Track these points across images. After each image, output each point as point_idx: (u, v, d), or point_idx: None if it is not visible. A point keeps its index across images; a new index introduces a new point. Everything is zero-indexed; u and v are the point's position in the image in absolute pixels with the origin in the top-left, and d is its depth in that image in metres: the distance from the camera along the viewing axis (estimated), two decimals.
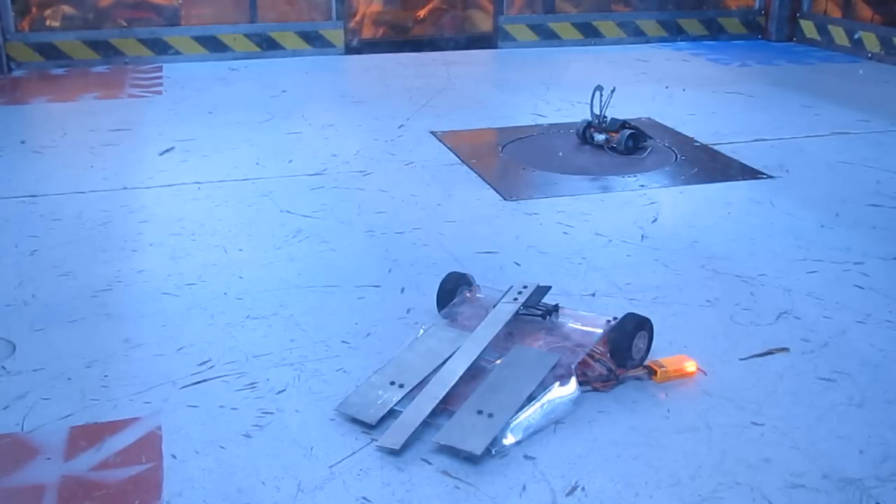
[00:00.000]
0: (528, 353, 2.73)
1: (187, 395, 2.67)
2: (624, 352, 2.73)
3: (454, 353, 2.73)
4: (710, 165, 4.98)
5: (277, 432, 2.50)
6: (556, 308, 2.93)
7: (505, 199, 4.40)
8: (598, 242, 3.85)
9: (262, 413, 2.58)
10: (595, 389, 2.68)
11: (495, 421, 2.43)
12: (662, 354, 2.83)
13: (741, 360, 2.88)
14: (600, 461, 2.38)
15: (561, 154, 5.18)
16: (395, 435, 2.41)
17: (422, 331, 2.93)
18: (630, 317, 2.80)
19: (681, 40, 8.93)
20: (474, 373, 2.65)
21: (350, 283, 3.44)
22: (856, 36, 8.21)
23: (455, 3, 8.68)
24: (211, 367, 2.82)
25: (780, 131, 5.61)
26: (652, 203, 4.35)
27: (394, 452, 2.38)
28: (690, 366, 2.78)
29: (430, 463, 2.37)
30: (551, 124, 5.78)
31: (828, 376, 2.78)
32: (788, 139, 5.45)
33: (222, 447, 2.43)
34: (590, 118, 5.28)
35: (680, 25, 8.99)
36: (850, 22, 8.41)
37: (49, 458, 2.39)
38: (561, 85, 6.98)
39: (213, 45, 7.89)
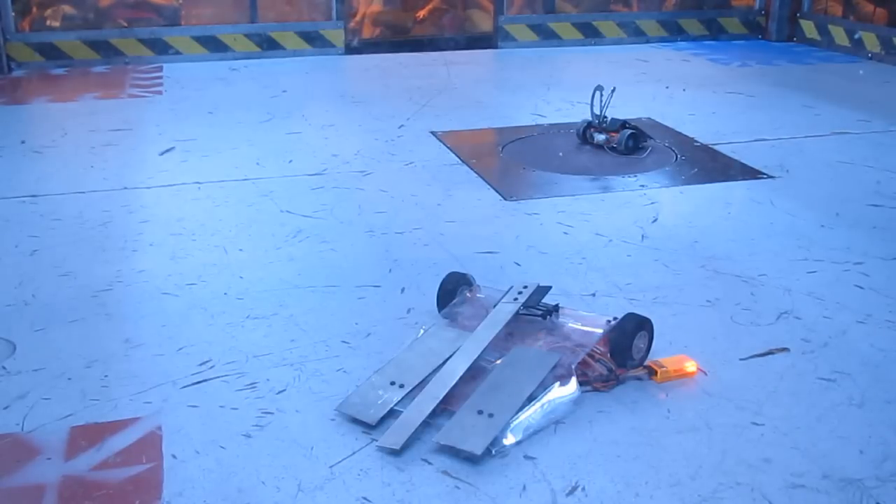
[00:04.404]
0: (528, 353, 2.73)
1: (187, 395, 2.67)
2: (624, 352, 2.73)
3: (454, 353, 2.73)
4: (711, 165, 4.98)
5: (277, 432, 2.50)
6: (556, 308, 2.93)
7: (505, 199, 4.40)
8: (599, 242, 3.85)
9: (263, 413, 2.59)
10: (595, 389, 2.68)
11: (495, 421, 2.43)
12: (663, 354, 2.83)
13: (741, 360, 2.88)
14: (600, 461, 2.38)
15: (561, 154, 5.18)
16: (395, 435, 2.42)
17: (422, 331, 2.93)
18: (630, 317, 2.80)
19: (681, 40, 8.93)
20: (474, 373, 2.65)
21: (350, 283, 3.44)
22: (856, 36, 8.21)
23: (455, 3, 8.68)
24: (211, 367, 2.83)
25: (780, 131, 5.61)
26: (652, 203, 4.35)
27: (394, 452, 2.38)
28: (690, 366, 2.78)
29: (430, 463, 2.37)
30: (551, 124, 5.78)
31: (828, 376, 2.78)
32: (788, 139, 5.45)
33: (222, 447, 2.43)
34: (590, 118, 5.28)
35: (680, 25, 8.99)
36: (850, 22, 8.41)
37: (49, 458, 2.39)
38: (561, 85, 6.98)
39: (214, 45, 7.89)
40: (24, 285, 3.42)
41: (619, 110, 5.36)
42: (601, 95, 5.24)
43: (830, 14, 8.66)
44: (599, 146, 5.19)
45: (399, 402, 2.56)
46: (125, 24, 7.77)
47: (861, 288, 3.41)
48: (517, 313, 2.88)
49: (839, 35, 8.40)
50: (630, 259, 3.68)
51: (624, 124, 5.16)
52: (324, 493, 2.25)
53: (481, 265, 3.55)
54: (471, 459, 2.35)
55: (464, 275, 3.15)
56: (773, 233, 3.97)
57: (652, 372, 2.74)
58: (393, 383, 2.63)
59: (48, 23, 7.66)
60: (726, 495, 2.25)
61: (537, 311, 2.92)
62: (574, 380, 2.61)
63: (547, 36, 8.68)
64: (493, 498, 2.24)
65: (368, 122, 5.84)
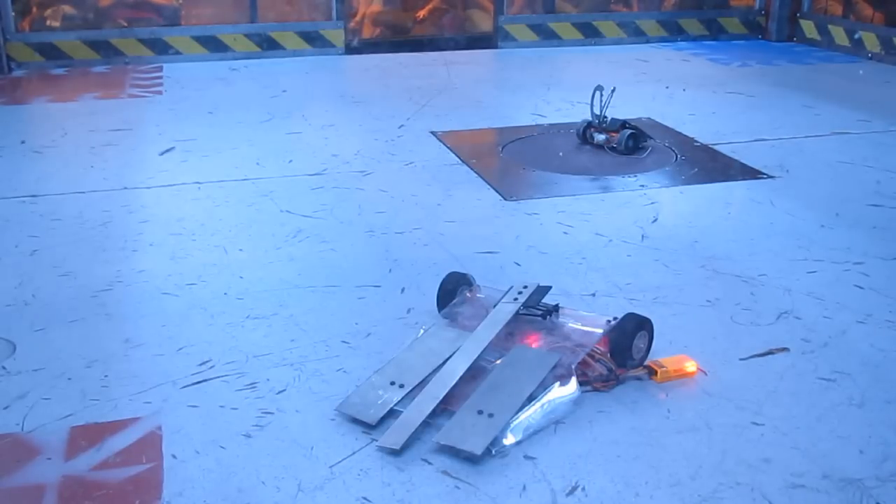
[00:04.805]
0: (528, 353, 2.73)
1: (187, 395, 2.67)
2: (624, 352, 2.73)
3: (454, 353, 2.73)
4: (711, 165, 4.98)
5: (277, 432, 2.50)
6: (556, 308, 2.93)
7: (505, 199, 4.40)
8: (599, 242, 3.85)
9: (263, 413, 2.59)
10: (595, 389, 2.68)
11: (495, 421, 2.43)
12: (662, 354, 2.83)
13: (741, 360, 2.88)
14: (600, 461, 2.38)
15: (561, 154, 5.18)
16: (395, 435, 2.42)
17: (422, 331, 2.93)
18: (630, 317, 2.80)
19: (681, 40, 8.93)
20: (474, 373, 2.65)
21: (350, 283, 3.44)
22: (856, 36, 8.21)
23: (455, 3, 8.68)
24: (211, 367, 2.83)
25: (780, 131, 5.61)
26: (652, 203, 4.35)
27: (394, 452, 2.38)
28: (690, 366, 2.78)
29: (430, 463, 2.37)
30: (551, 124, 5.78)
31: (828, 376, 2.78)
32: (788, 139, 5.45)
33: (222, 447, 2.43)
34: (590, 118, 5.28)
35: (680, 25, 8.99)
36: (850, 22, 8.41)
37: (49, 458, 2.39)
38: (561, 85, 6.98)
39: (214, 45, 7.89)
40: (24, 285, 3.42)
41: (619, 110, 5.36)
42: (601, 95, 5.24)
43: (830, 14, 8.66)
44: (599, 146, 5.19)
45: (399, 402, 2.56)
46: (125, 24, 7.77)
47: (861, 288, 3.41)
48: (517, 313, 2.88)
49: (839, 35, 8.40)
50: (630, 259, 3.68)
51: (624, 124, 5.16)
52: (324, 493, 2.25)
53: (481, 265, 3.55)
54: (471, 459, 2.35)
55: (464, 275, 3.15)
56: (773, 233, 3.97)
57: (652, 372, 2.74)
58: (393, 383, 2.63)
59: (48, 23, 7.66)
60: (726, 495, 2.25)
61: (537, 311, 2.92)
62: (574, 380, 2.61)
63: (547, 36, 8.68)
64: (493, 498, 2.24)
65: (368, 122, 5.84)
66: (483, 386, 2.59)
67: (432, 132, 5.56)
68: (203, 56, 7.83)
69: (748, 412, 2.59)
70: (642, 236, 3.92)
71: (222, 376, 2.78)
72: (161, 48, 7.77)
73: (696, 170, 4.88)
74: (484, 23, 8.66)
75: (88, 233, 3.95)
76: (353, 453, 2.40)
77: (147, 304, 3.27)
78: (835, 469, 2.35)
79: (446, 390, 2.56)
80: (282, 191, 4.48)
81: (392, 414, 2.52)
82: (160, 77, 7.22)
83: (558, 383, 2.59)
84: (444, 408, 2.54)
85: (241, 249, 3.78)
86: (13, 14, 7.41)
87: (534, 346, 2.79)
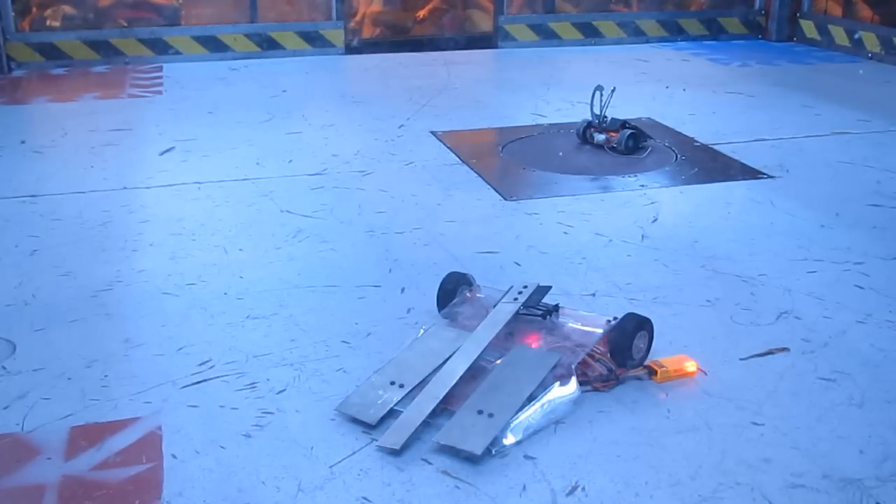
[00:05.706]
0: (528, 353, 2.73)
1: (187, 395, 2.68)
2: (624, 352, 2.73)
3: (454, 353, 2.73)
4: (711, 165, 4.98)
5: (277, 432, 2.50)
6: (556, 308, 2.93)
7: (505, 199, 4.40)
8: (599, 242, 3.85)
9: (263, 413, 2.59)
10: (595, 389, 2.68)
11: (495, 421, 2.43)
12: (662, 354, 2.83)
13: (741, 360, 2.88)
14: (600, 461, 2.38)
15: (561, 154, 5.18)
16: (395, 435, 2.42)
17: (422, 331, 2.93)
18: (630, 317, 2.80)
19: (681, 40, 8.93)
20: (474, 373, 2.65)
21: (350, 283, 3.44)
22: (856, 36, 8.21)
23: (455, 3, 8.68)
24: (211, 367, 2.83)
25: (780, 131, 5.61)
26: (652, 203, 4.35)
27: (394, 452, 2.38)
28: (690, 366, 2.78)
29: (430, 463, 2.37)
30: (551, 124, 5.78)
31: (828, 376, 2.78)
32: (788, 139, 5.45)
33: (222, 447, 2.43)
34: (590, 118, 5.28)
35: (680, 25, 8.99)
36: (850, 22, 8.41)
37: (49, 458, 2.39)
38: (561, 85, 6.98)
39: (214, 45, 7.89)
40: (24, 285, 3.42)
41: (619, 110, 5.36)
42: (601, 95, 5.24)
43: (830, 14, 8.66)
44: (599, 146, 5.19)
45: (399, 402, 2.56)
46: (125, 24, 7.77)
47: (861, 288, 3.41)
48: (517, 313, 2.88)
49: (839, 35, 8.40)
50: (630, 259, 3.68)
51: (624, 124, 5.16)
52: (324, 493, 2.25)
53: (481, 265, 3.55)
54: (471, 459, 2.35)
55: (464, 275, 3.15)
56: (773, 233, 3.97)
57: (652, 372, 2.74)
58: (393, 383, 2.63)
59: (48, 23, 7.65)
60: (726, 495, 2.25)
61: (537, 311, 2.91)
62: (574, 380, 2.61)
63: (547, 36, 8.68)
64: (493, 498, 2.24)
65: (368, 122, 5.84)
66: (483, 386, 2.59)
67: (432, 132, 5.56)
68: (203, 56, 7.83)
69: (748, 412, 2.60)
70: (642, 236, 3.92)
71: (222, 376, 2.78)
72: (161, 48, 7.77)
73: (696, 170, 4.88)
74: (484, 23, 8.66)
75: (88, 233, 3.95)
76: (353, 453, 2.40)
77: (147, 304, 3.27)
78: (835, 469, 2.35)
79: (446, 390, 2.56)
80: (282, 191, 4.48)
81: (392, 414, 2.52)
82: (160, 77, 7.21)
83: (558, 383, 2.59)
84: (444, 408, 2.54)
85: (241, 249, 3.78)
86: (13, 14, 7.41)
87: (534, 346, 2.79)
